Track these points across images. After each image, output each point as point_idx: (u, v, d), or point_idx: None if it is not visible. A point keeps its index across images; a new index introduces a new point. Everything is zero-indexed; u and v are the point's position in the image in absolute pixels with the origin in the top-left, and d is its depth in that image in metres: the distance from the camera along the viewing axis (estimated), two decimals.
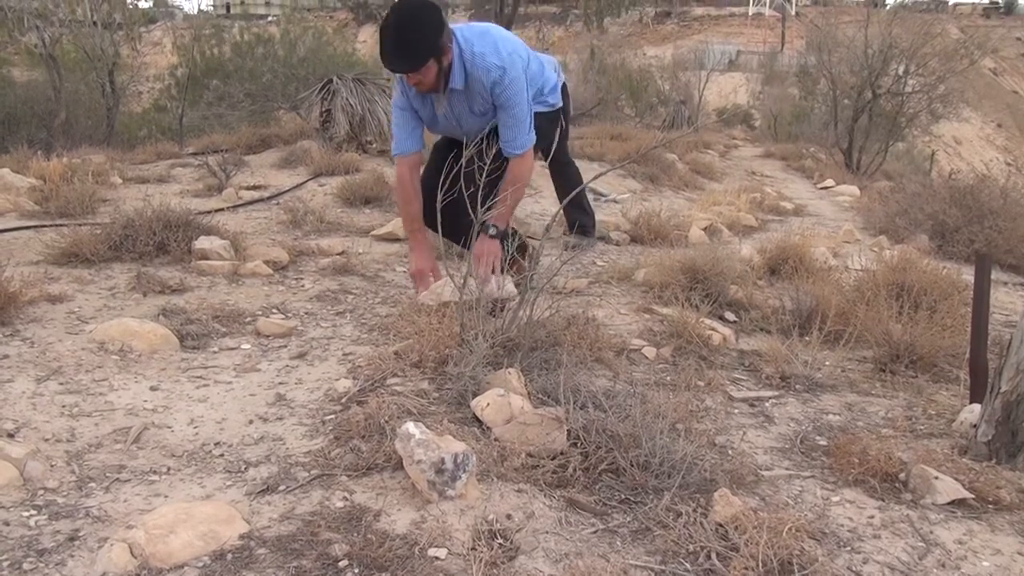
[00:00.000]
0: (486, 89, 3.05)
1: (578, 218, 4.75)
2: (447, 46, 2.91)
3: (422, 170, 3.29)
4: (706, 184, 8.26)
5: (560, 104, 3.66)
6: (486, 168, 2.66)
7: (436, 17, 2.86)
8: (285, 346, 2.85)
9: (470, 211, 2.62)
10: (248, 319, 3.08)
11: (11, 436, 2.05)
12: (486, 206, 2.63)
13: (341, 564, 1.58)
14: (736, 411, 2.53)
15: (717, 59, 26.21)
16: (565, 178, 4.74)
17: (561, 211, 3.56)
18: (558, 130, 3.61)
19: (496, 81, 3.02)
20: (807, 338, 3.07)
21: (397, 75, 3.05)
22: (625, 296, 3.69)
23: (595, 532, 1.78)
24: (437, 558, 1.62)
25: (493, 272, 2.97)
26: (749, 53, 35.29)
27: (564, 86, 4.72)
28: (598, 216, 5.04)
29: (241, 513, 1.74)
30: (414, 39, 2.84)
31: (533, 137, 3.20)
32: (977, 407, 2.32)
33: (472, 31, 3.08)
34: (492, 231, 3.04)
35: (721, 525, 1.76)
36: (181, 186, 5.86)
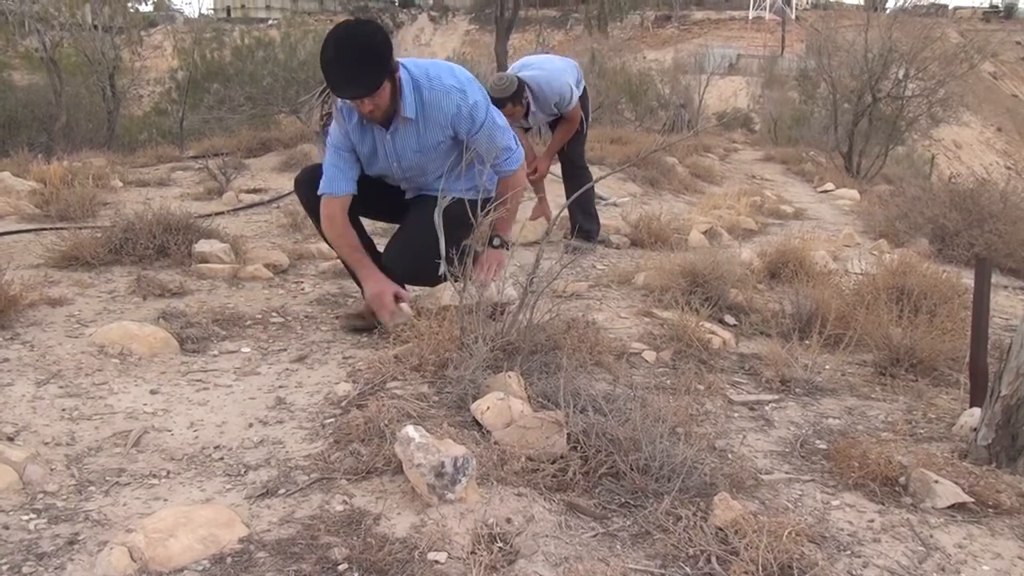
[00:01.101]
0: (445, 116, 2.78)
1: (580, 222, 4.77)
2: (397, 65, 2.67)
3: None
4: (706, 188, 8.27)
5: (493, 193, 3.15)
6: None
7: (382, 33, 2.63)
8: (285, 349, 2.85)
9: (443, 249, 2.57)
10: (248, 322, 3.08)
11: (11, 440, 2.04)
12: (486, 212, 2.62)
13: (341, 568, 1.58)
14: (736, 415, 2.53)
15: (717, 63, 26.26)
16: (576, 182, 4.79)
17: (562, 214, 3.57)
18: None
19: (459, 104, 2.76)
20: (807, 342, 3.07)
21: (341, 107, 2.83)
22: (625, 299, 3.69)
23: (595, 536, 1.77)
24: (437, 562, 1.62)
25: (494, 279, 2.96)
26: (749, 57, 35.35)
27: (584, 89, 4.85)
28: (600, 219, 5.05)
29: (241, 517, 1.74)
30: (367, 58, 2.57)
31: (522, 151, 3.02)
32: (977, 411, 2.32)
33: (420, 60, 2.87)
34: (496, 241, 3.03)
35: (721, 529, 1.76)
36: (181, 189, 5.87)
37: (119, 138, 10.45)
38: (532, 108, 4.57)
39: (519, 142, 3.06)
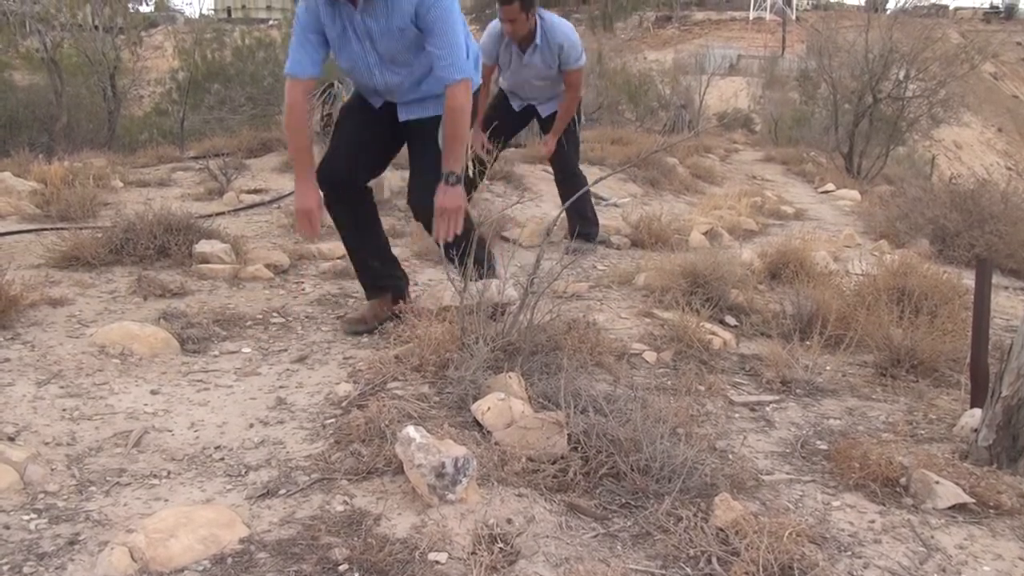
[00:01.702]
0: (411, 3, 2.68)
1: (579, 226, 4.75)
2: None
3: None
4: (707, 188, 8.26)
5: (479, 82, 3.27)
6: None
7: None
8: (286, 350, 2.85)
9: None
10: (249, 323, 3.08)
11: (12, 440, 2.05)
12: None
13: (341, 568, 1.58)
14: (737, 415, 2.53)
15: (718, 63, 26.20)
16: (569, 187, 4.71)
17: (562, 216, 3.56)
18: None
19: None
20: (808, 342, 3.07)
21: None
22: (626, 300, 3.69)
23: (596, 536, 1.77)
24: (437, 562, 1.62)
25: (456, 230, 2.76)
26: (750, 57, 35.30)
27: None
28: (599, 220, 5.04)
29: (241, 517, 1.74)
30: None
31: (471, 67, 2.84)
32: (978, 412, 2.32)
33: None
34: (452, 179, 2.76)
35: (722, 530, 1.76)
36: (182, 190, 5.86)
37: (120, 138, 10.44)
38: (537, 39, 4.29)
39: (469, 60, 2.84)
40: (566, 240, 4.75)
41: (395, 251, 4.30)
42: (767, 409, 2.60)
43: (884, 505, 1.98)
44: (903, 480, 2.05)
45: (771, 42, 39.54)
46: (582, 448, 2.02)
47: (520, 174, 6.67)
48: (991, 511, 1.95)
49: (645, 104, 14.70)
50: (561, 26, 4.37)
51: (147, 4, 13.42)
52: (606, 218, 5.58)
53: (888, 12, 13.23)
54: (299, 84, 2.85)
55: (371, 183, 3.16)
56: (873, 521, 1.91)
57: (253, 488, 1.90)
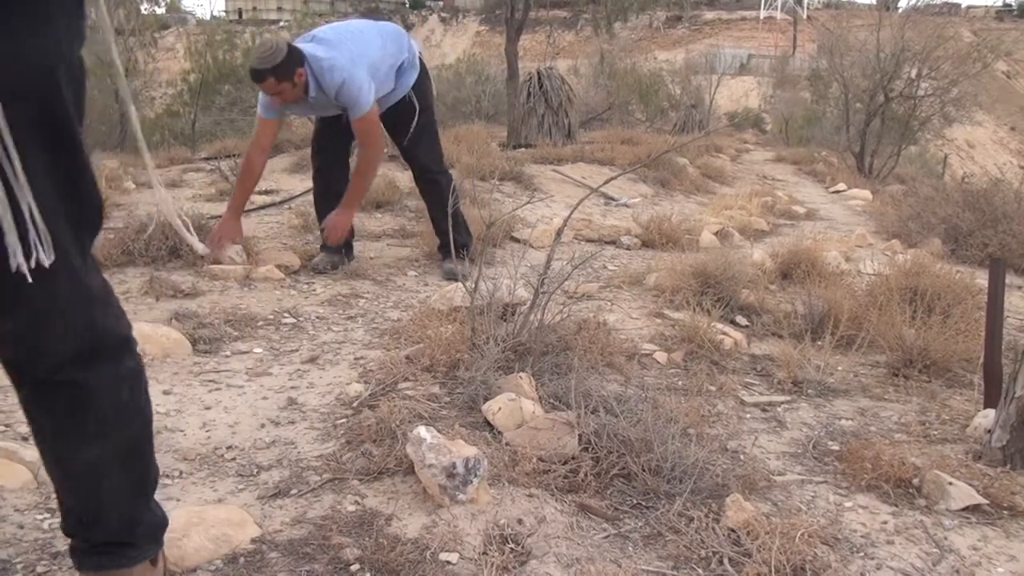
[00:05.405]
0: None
1: (460, 236, 3.77)
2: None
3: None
4: (717, 188, 8.25)
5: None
6: None
7: None
8: (297, 350, 2.85)
9: None
10: (260, 323, 3.09)
11: (25, 439, 2.06)
12: None
13: (353, 568, 1.59)
14: (748, 416, 2.52)
15: (728, 63, 26.19)
16: (435, 188, 3.94)
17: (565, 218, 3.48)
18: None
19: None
20: (819, 343, 3.06)
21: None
22: (636, 300, 3.69)
23: (607, 537, 1.77)
24: (448, 562, 1.62)
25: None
26: (760, 57, 35.24)
27: (424, 69, 3.91)
28: (610, 220, 5.03)
29: (253, 517, 1.75)
30: None
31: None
32: (991, 412, 2.31)
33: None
34: None
35: (733, 530, 1.75)
36: (194, 191, 5.89)
37: (132, 140, 10.51)
38: (311, 92, 3.48)
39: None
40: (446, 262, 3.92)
41: (404, 251, 4.33)
42: (778, 409, 2.59)
43: (897, 506, 1.97)
44: (916, 481, 2.04)
45: (782, 41, 39.46)
46: (593, 449, 2.02)
47: (530, 174, 6.67)
48: (1005, 512, 1.94)
49: (655, 104, 14.70)
50: (340, 69, 3.41)
51: (159, 6, 13.49)
52: (617, 218, 5.58)
53: (900, 10, 13.17)
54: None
55: None
56: (886, 522, 1.90)
57: (265, 488, 1.90)
